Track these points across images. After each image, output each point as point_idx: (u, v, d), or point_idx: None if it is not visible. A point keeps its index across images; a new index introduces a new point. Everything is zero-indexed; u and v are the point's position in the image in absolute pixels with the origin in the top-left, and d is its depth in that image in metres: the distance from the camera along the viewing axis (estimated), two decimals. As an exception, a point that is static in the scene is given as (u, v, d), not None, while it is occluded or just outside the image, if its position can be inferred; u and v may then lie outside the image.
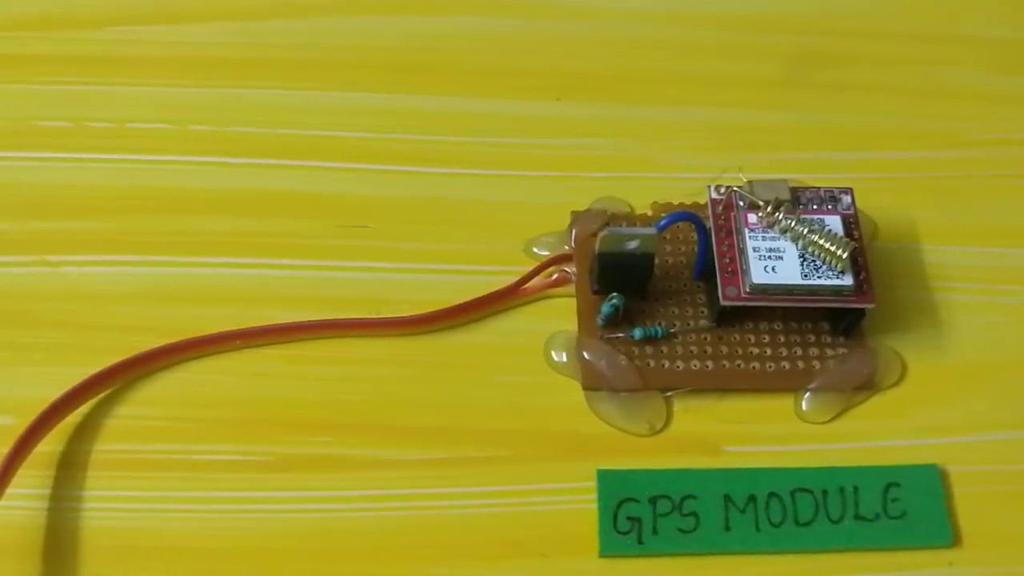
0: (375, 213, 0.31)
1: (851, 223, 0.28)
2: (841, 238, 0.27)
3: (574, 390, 0.28)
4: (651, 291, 0.29)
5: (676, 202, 0.30)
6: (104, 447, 0.27)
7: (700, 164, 0.31)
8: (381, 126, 0.32)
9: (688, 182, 0.31)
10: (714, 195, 0.28)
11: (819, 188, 0.28)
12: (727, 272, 0.27)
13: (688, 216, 0.28)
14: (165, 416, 0.27)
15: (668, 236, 0.30)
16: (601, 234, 0.27)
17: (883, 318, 0.29)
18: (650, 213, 0.30)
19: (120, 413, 0.27)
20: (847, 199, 0.28)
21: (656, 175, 0.31)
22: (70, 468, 0.26)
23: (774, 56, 0.34)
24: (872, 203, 0.30)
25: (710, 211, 0.28)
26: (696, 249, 0.29)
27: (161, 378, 0.28)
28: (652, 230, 0.27)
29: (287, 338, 0.28)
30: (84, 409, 0.27)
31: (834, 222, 0.27)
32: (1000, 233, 0.31)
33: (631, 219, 0.30)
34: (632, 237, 0.27)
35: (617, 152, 0.32)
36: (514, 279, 0.29)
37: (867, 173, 0.32)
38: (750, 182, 0.28)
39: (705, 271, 0.28)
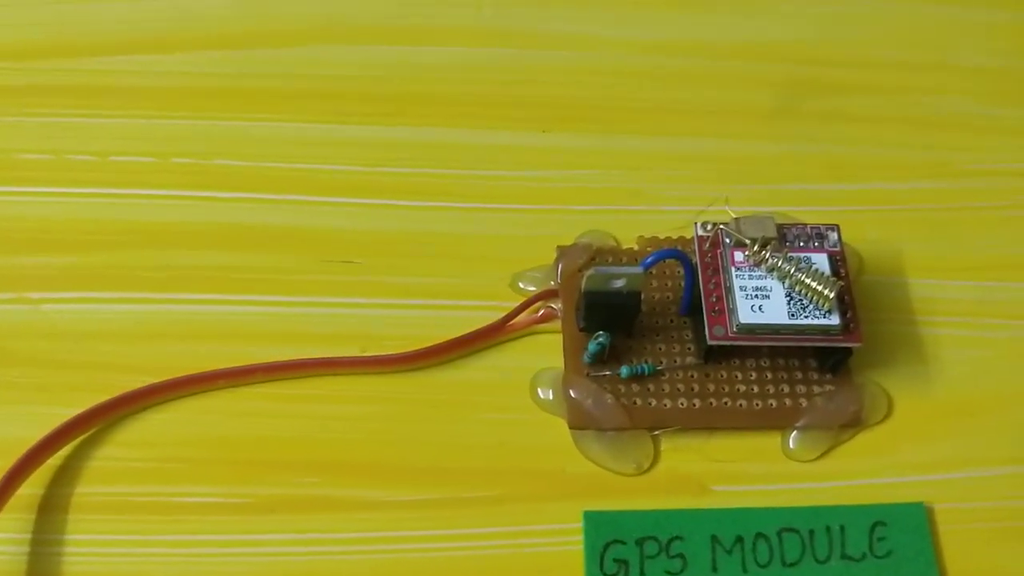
0: (361, 248, 0.30)
1: (838, 260, 0.28)
2: (828, 277, 0.27)
3: (560, 428, 0.28)
4: (638, 327, 0.29)
5: (663, 235, 0.30)
6: (87, 490, 0.27)
7: (687, 196, 0.31)
8: (366, 159, 0.32)
9: (675, 214, 0.31)
10: (701, 232, 0.28)
11: (806, 225, 0.28)
12: (714, 311, 0.27)
13: (675, 254, 0.27)
14: (149, 457, 0.27)
15: (655, 272, 0.29)
16: (587, 273, 0.27)
17: (870, 353, 0.28)
18: (636, 247, 0.30)
19: (103, 455, 0.27)
20: (834, 236, 0.28)
21: (642, 207, 0.31)
22: (52, 512, 0.26)
23: (763, 86, 0.34)
24: (859, 236, 0.30)
25: (696, 248, 0.28)
26: (683, 285, 0.28)
27: (144, 419, 0.28)
28: (638, 269, 0.27)
29: (272, 377, 0.28)
30: (66, 451, 0.27)
31: (821, 260, 0.27)
32: (987, 266, 0.31)
33: (617, 253, 0.30)
34: (618, 276, 0.27)
35: (603, 184, 0.32)
36: (500, 314, 0.29)
37: (854, 205, 0.31)
38: (737, 219, 0.28)
39: (692, 307, 0.28)
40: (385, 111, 0.33)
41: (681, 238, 0.30)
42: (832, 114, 0.33)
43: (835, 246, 0.28)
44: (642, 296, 0.28)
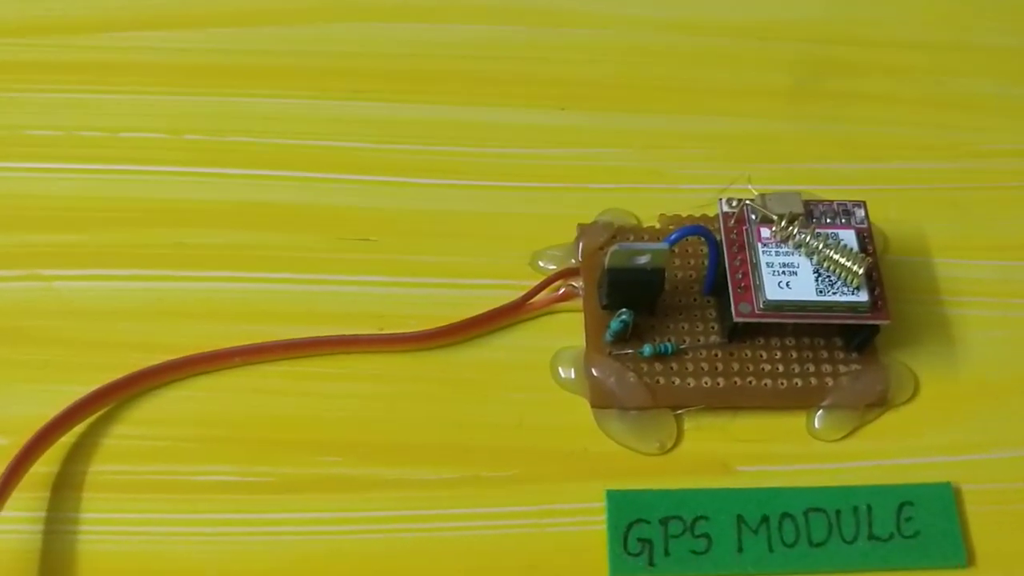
0: (377, 226, 0.30)
1: (865, 237, 0.27)
2: (857, 253, 0.26)
3: (582, 407, 0.27)
4: (660, 306, 0.28)
5: (684, 214, 0.30)
6: (101, 468, 0.26)
7: (708, 175, 0.31)
8: (382, 136, 0.32)
9: (696, 193, 0.30)
10: (726, 208, 0.28)
11: (832, 201, 0.28)
12: (740, 288, 0.27)
13: (700, 230, 0.27)
14: (164, 436, 0.27)
15: (677, 250, 0.29)
16: (611, 249, 0.26)
17: (895, 333, 0.28)
18: (658, 226, 0.30)
19: (118, 432, 0.27)
20: (860, 212, 0.28)
21: (663, 186, 0.31)
22: (66, 489, 0.26)
23: (784, 65, 0.34)
24: (882, 215, 0.30)
25: (721, 225, 0.27)
26: (707, 263, 0.28)
27: (159, 396, 0.27)
28: (663, 245, 0.26)
29: (289, 355, 0.28)
30: (80, 428, 0.26)
31: (848, 236, 0.27)
32: (1013, 245, 0.30)
33: (638, 232, 0.30)
34: (643, 252, 0.26)
35: (623, 163, 0.31)
36: (520, 293, 0.29)
37: (877, 184, 0.31)
38: (763, 195, 0.27)
39: (716, 286, 0.28)
40: (401, 88, 0.32)
41: (703, 216, 0.30)
42: (851, 94, 0.33)
43: (862, 222, 0.28)
44: (665, 274, 0.27)
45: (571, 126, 0.32)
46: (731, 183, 0.29)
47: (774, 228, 0.27)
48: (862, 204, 0.28)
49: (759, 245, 0.27)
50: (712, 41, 0.34)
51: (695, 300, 0.29)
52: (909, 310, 0.29)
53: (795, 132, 0.32)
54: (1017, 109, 0.33)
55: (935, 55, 0.34)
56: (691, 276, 0.29)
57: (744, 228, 0.27)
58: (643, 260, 0.26)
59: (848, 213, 0.28)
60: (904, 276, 0.29)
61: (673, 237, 0.27)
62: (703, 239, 0.28)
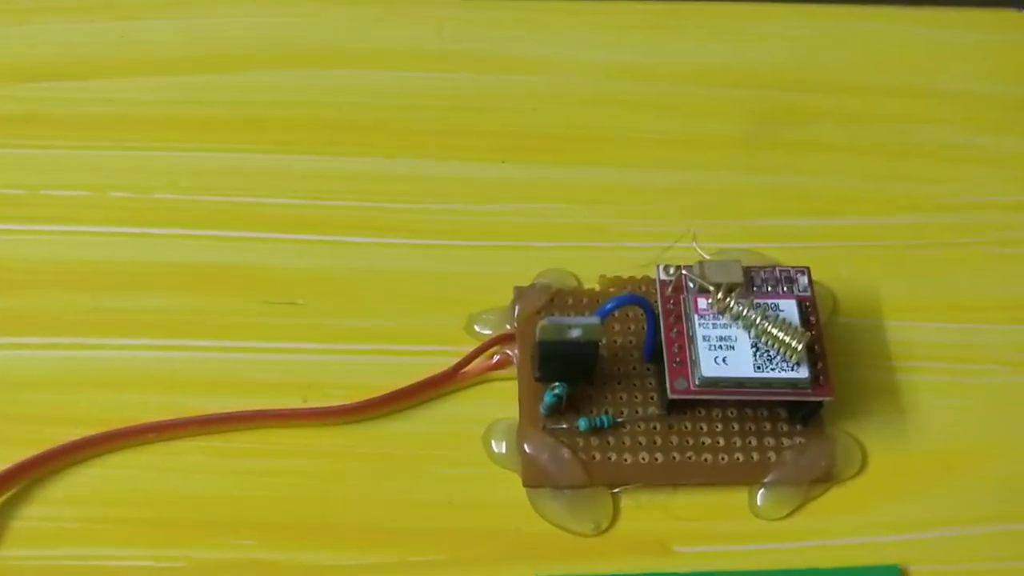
0: (305, 288, 0.29)
1: (807, 306, 0.26)
2: (796, 328, 0.25)
3: (515, 484, 0.26)
4: (599, 374, 0.27)
5: (626, 275, 0.29)
6: (9, 553, 0.25)
7: (654, 232, 0.29)
8: (312, 191, 0.30)
9: (640, 251, 0.29)
10: (663, 276, 0.26)
11: (775, 268, 0.27)
12: (676, 362, 0.25)
13: (636, 300, 0.26)
14: (76, 517, 0.25)
15: (617, 314, 0.28)
16: (541, 323, 0.25)
17: (843, 402, 0.27)
18: (598, 288, 0.29)
19: (26, 515, 0.25)
20: (804, 280, 0.26)
21: (606, 244, 0.30)
22: (-29, 577, 0.25)
23: (737, 113, 0.32)
24: (833, 274, 0.29)
25: (659, 294, 0.26)
26: (646, 328, 0.27)
27: (71, 475, 0.26)
28: (594, 320, 0.25)
29: (205, 430, 0.26)
30: (-12, 511, 0.25)
31: (789, 306, 0.26)
32: (969, 307, 0.29)
33: (577, 295, 0.28)
34: (574, 326, 0.25)
35: (565, 219, 0.30)
36: (454, 359, 0.27)
37: (830, 241, 0.30)
38: (701, 264, 0.26)
39: (655, 353, 0.27)
40: (334, 140, 0.31)
41: (645, 278, 0.28)
42: (808, 143, 0.32)
43: (805, 291, 0.26)
44: (603, 342, 0.26)
45: (511, 179, 0.31)
46: (676, 241, 0.28)
47: (711, 300, 0.25)
48: (805, 271, 0.26)
49: (696, 316, 0.25)
50: (660, 88, 0.33)
51: (634, 368, 0.27)
52: (859, 376, 0.28)
53: (746, 185, 0.31)
54: (979, 159, 0.32)
55: (894, 101, 0.33)
56: (631, 342, 0.28)
57: (682, 297, 0.26)
58: (575, 334, 0.25)
59: (791, 280, 0.26)
60: (854, 340, 0.28)
61: (606, 308, 0.25)
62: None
